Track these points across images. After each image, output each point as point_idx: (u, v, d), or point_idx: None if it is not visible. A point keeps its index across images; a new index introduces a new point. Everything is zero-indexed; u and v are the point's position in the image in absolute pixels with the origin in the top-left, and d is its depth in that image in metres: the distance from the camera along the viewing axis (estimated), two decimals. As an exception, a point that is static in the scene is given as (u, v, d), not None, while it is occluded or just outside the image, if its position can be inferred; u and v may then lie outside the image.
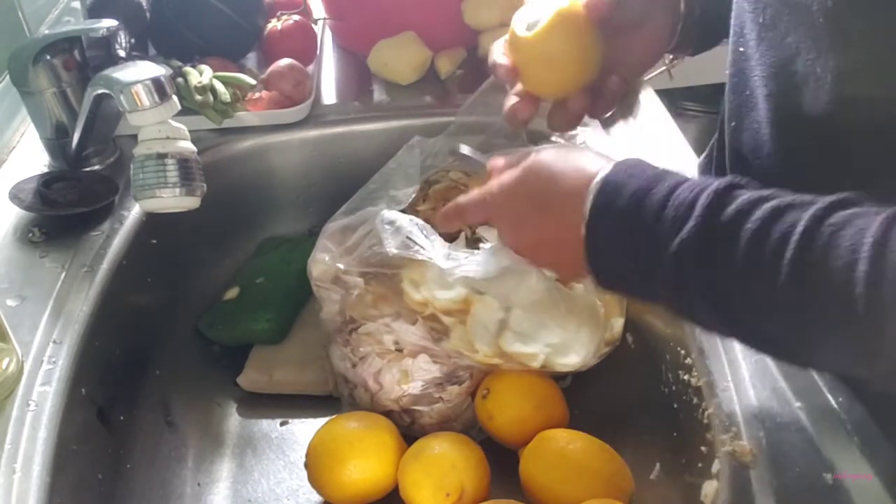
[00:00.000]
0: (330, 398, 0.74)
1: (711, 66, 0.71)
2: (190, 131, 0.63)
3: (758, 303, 0.41)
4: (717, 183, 0.43)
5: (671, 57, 0.80)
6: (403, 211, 0.66)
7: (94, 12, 0.81)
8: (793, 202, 0.40)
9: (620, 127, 0.82)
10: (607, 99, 0.60)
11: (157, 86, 0.59)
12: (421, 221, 0.64)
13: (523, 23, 0.57)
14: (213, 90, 0.79)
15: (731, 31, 0.56)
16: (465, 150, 0.66)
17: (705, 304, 0.43)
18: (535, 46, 0.56)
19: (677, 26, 0.60)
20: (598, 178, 0.46)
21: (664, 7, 0.59)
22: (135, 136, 0.62)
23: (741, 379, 0.53)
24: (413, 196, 0.69)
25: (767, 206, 0.41)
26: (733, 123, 0.58)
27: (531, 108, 0.59)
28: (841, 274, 0.36)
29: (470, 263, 0.60)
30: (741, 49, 0.54)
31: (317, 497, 0.65)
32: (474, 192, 0.56)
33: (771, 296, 0.40)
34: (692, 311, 0.45)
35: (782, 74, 0.50)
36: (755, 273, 0.40)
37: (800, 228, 0.39)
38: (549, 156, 0.51)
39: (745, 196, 0.42)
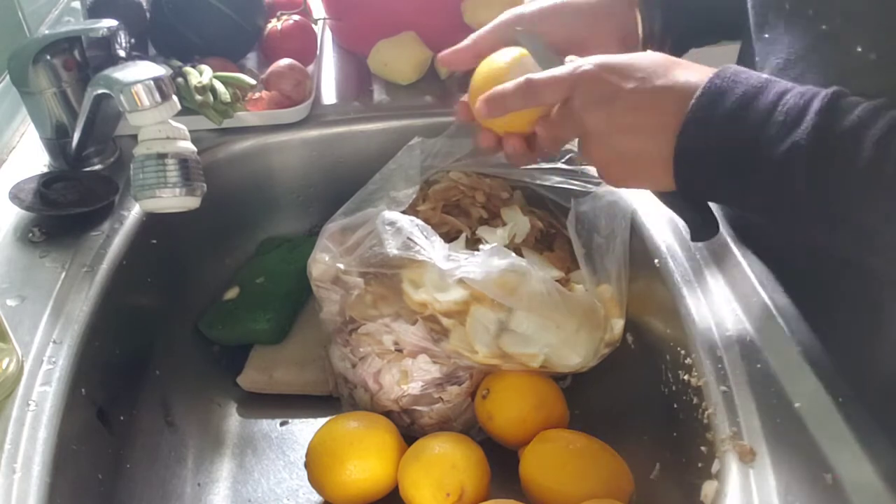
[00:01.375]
0: (330, 398, 0.74)
1: (711, 66, 0.71)
2: (190, 131, 0.63)
3: (881, 206, 0.42)
4: (826, 90, 0.44)
5: None
6: (403, 212, 0.66)
7: (94, 12, 0.81)
8: None
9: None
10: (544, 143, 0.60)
11: (158, 86, 0.59)
12: (421, 222, 0.64)
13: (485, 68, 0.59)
14: (213, 90, 0.79)
15: (752, 21, 0.56)
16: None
17: (812, 208, 0.44)
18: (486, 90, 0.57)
19: (633, 42, 0.61)
20: (703, 81, 0.47)
21: (604, 22, 0.60)
22: (135, 136, 0.62)
23: (741, 379, 0.53)
24: (413, 197, 0.69)
25: (886, 117, 0.42)
26: None
27: (493, 141, 0.59)
28: None
29: (470, 264, 0.60)
30: (766, 35, 0.55)
31: (317, 497, 0.65)
32: (559, 68, 0.53)
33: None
34: (787, 216, 0.46)
35: (812, 57, 0.50)
36: (880, 177, 0.41)
37: None
38: (658, 54, 0.51)
39: (861, 104, 0.43)
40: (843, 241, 0.46)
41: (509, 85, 0.54)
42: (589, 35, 0.60)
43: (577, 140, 0.55)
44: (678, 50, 0.65)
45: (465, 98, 0.61)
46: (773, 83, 0.46)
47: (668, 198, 0.55)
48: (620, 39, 0.61)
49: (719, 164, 0.47)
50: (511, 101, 0.54)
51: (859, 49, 0.46)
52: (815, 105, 0.43)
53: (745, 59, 0.61)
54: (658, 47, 0.63)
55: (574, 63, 0.52)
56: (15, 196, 0.68)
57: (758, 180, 0.45)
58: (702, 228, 0.55)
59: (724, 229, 0.65)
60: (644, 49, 0.62)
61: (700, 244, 0.64)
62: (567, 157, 0.74)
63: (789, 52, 0.52)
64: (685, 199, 0.53)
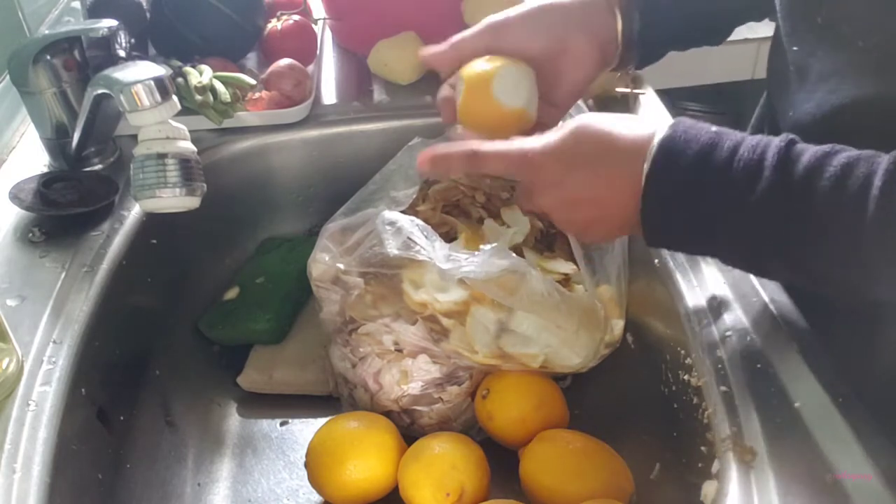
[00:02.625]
0: (330, 398, 0.74)
1: (712, 66, 0.71)
2: (190, 131, 0.63)
3: (838, 250, 0.44)
4: (776, 140, 0.46)
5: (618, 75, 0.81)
6: (403, 212, 0.66)
7: (94, 12, 0.81)
8: (860, 155, 0.44)
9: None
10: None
11: (158, 86, 0.59)
12: (421, 222, 0.64)
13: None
14: (213, 90, 0.79)
15: (783, 31, 0.57)
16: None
17: (778, 257, 0.46)
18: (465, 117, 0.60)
19: (610, 43, 0.62)
20: (657, 138, 0.48)
21: (583, 28, 0.61)
22: (135, 136, 0.62)
23: (741, 379, 0.53)
24: (413, 197, 0.69)
25: (838, 159, 0.43)
26: (790, 113, 0.59)
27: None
28: None
29: (470, 264, 0.60)
30: (795, 48, 0.56)
31: (317, 497, 0.65)
32: (506, 144, 0.55)
33: (854, 243, 0.43)
34: (756, 264, 0.50)
35: (848, 71, 0.51)
36: (836, 222, 0.43)
37: (878, 181, 0.42)
38: (597, 118, 0.52)
39: (810, 152, 0.45)
40: (814, 284, 0.48)
41: (455, 148, 0.56)
42: (569, 41, 0.61)
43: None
44: (656, 55, 0.67)
45: (445, 93, 0.62)
46: (723, 137, 0.47)
47: None
48: (599, 46, 0.62)
49: (686, 225, 0.49)
50: (455, 165, 0.57)
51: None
52: (769, 159, 0.45)
53: (776, 68, 0.61)
54: (637, 53, 0.64)
55: (520, 143, 0.54)
56: (15, 196, 0.68)
57: (723, 235, 0.48)
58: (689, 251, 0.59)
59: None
60: (623, 52, 0.63)
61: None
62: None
63: (823, 65, 0.53)
64: (650, 244, 0.54)
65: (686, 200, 0.48)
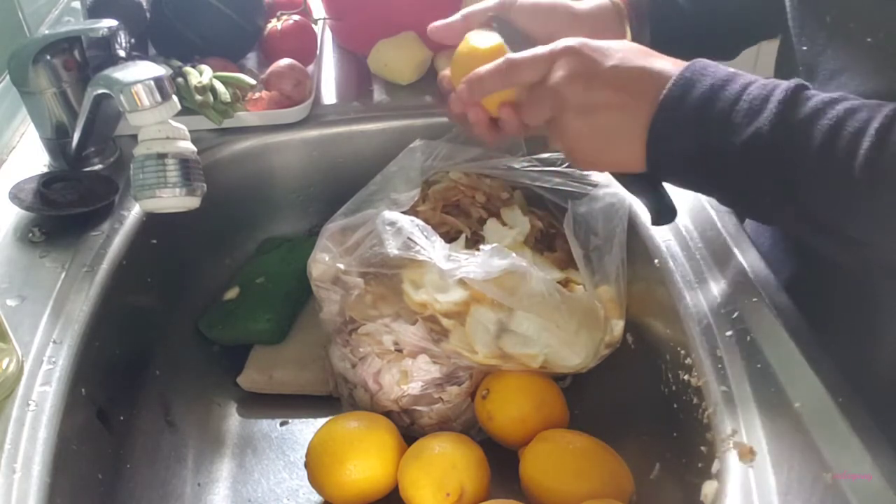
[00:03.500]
0: (330, 398, 0.74)
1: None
2: (190, 131, 0.63)
3: (830, 190, 0.45)
4: (788, 82, 0.47)
5: None
6: (403, 212, 0.66)
7: (94, 12, 0.81)
8: (864, 103, 0.45)
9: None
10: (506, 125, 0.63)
11: (158, 86, 0.59)
12: (422, 222, 0.64)
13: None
14: (213, 90, 0.79)
15: (793, 31, 0.58)
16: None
17: (771, 193, 0.47)
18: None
19: None
20: (675, 73, 0.50)
21: (596, 31, 0.61)
22: (135, 136, 0.62)
23: (741, 379, 0.53)
24: (414, 199, 0.69)
25: (841, 105, 0.45)
26: None
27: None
28: None
29: (470, 265, 0.60)
30: (805, 48, 0.56)
31: (317, 497, 0.65)
32: (538, 48, 0.55)
33: (845, 183, 0.43)
34: (754, 202, 0.49)
35: (856, 68, 0.52)
36: (830, 163, 0.44)
37: (875, 124, 0.43)
38: (634, 44, 0.54)
39: (818, 96, 0.46)
40: (803, 228, 0.49)
41: (489, 67, 0.56)
42: (561, 36, 0.61)
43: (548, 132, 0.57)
44: None
45: (447, 72, 0.64)
46: (739, 76, 0.49)
47: (629, 182, 0.57)
48: None
49: (688, 149, 0.49)
50: (490, 82, 0.56)
51: None
52: (777, 96, 0.46)
53: (788, 65, 0.61)
54: None
55: (554, 43, 0.54)
56: (15, 196, 0.68)
57: (723, 165, 0.48)
58: (661, 213, 0.57)
59: (722, 230, 0.65)
60: None
61: (700, 244, 0.65)
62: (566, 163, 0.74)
63: (834, 63, 0.53)
64: (650, 180, 0.55)
65: (692, 129, 0.49)
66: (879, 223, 0.45)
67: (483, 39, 0.60)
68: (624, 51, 0.52)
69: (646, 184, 0.56)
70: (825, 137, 0.44)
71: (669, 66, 0.51)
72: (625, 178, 0.57)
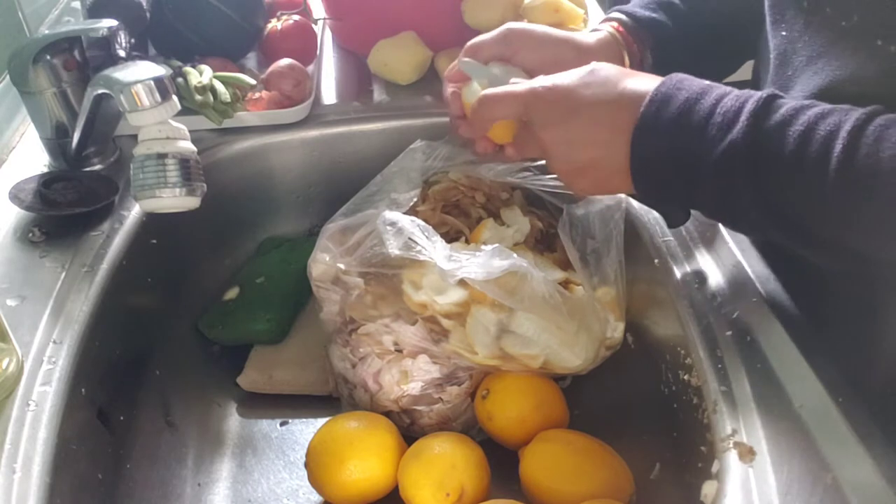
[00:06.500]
0: (330, 398, 0.74)
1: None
2: (190, 131, 0.63)
3: (805, 197, 0.46)
4: (760, 93, 0.48)
5: None
6: (403, 213, 0.66)
7: (94, 12, 0.81)
8: (834, 108, 0.46)
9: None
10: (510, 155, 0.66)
11: (158, 86, 0.59)
12: (422, 223, 0.64)
13: (471, 97, 0.62)
14: (213, 90, 0.79)
15: (770, 19, 0.58)
16: (467, 63, 0.65)
17: (750, 202, 0.47)
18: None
19: None
20: (651, 90, 0.51)
21: (598, 58, 0.62)
22: (135, 136, 0.62)
23: (741, 379, 0.53)
24: (414, 200, 0.69)
25: (812, 111, 0.46)
26: None
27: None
28: (890, 165, 0.41)
29: (471, 265, 0.60)
30: (783, 33, 0.57)
31: (317, 497, 0.65)
32: (514, 84, 0.57)
33: (820, 188, 0.44)
34: (734, 212, 0.51)
35: (832, 52, 0.52)
36: (802, 168, 0.45)
37: (847, 127, 0.44)
38: (609, 66, 0.55)
39: (789, 103, 0.47)
40: (787, 236, 0.50)
41: (472, 109, 0.60)
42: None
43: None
44: None
45: (453, 88, 0.65)
46: (713, 88, 0.50)
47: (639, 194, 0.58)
48: None
49: (670, 168, 0.51)
50: (474, 120, 0.61)
51: (879, 42, 0.48)
52: (749, 106, 0.47)
53: (764, 57, 0.62)
54: None
55: (528, 83, 0.56)
56: (15, 196, 0.68)
57: (703, 179, 0.49)
58: (674, 217, 0.59)
59: (722, 230, 0.66)
60: None
61: (700, 244, 0.65)
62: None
63: (811, 49, 0.53)
64: (646, 202, 0.58)
65: (671, 145, 0.50)
66: (854, 224, 0.45)
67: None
68: (595, 84, 0.53)
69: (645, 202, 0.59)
70: (797, 142, 0.45)
71: (646, 83, 0.52)
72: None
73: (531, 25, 0.65)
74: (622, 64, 0.65)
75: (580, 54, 0.64)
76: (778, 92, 0.48)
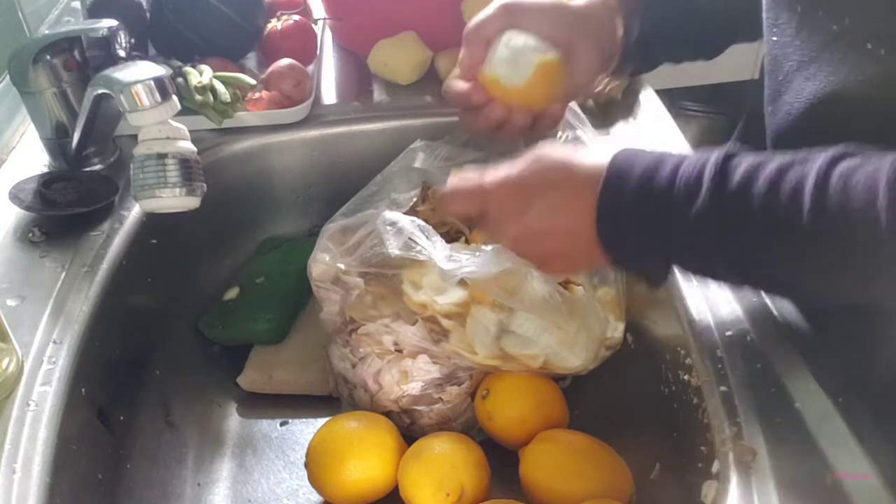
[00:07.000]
0: (330, 398, 0.74)
1: (711, 66, 0.71)
2: (190, 131, 0.63)
3: (780, 253, 0.45)
4: (714, 155, 0.47)
5: (607, 80, 0.81)
6: (403, 213, 0.66)
7: (94, 12, 0.81)
8: (793, 160, 0.45)
9: (620, 127, 0.82)
10: (549, 120, 0.66)
11: (158, 86, 0.59)
12: (422, 222, 0.64)
13: (502, 68, 0.62)
14: (213, 90, 0.79)
15: (766, 23, 0.57)
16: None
17: (726, 267, 0.47)
18: (520, 95, 0.62)
19: (610, 50, 0.64)
20: (605, 169, 0.50)
21: (590, 35, 0.62)
22: (135, 136, 0.62)
23: (741, 379, 0.53)
24: (414, 200, 0.69)
25: (771, 166, 0.45)
26: (770, 108, 0.60)
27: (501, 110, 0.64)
28: (860, 213, 0.41)
29: (471, 265, 0.60)
30: (775, 38, 0.56)
31: (317, 497, 0.65)
32: (462, 180, 0.56)
33: (793, 244, 0.44)
34: (714, 275, 0.51)
35: (824, 56, 0.52)
36: (774, 227, 0.44)
37: (811, 181, 0.43)
38: (554, 149, 0.54)
39: (745, 162, 0.46)
40: (774, 291, 0.51)
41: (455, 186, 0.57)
42: (574, 45, 0.62)
43: (578, 127, 0.59)
44: (650, 64, 0.69)
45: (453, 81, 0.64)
46: (666, 158, 0.49)
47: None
48: (600, 53, 0.63)
49: (641, 245, 0.50)
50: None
51: (870, 46, 0.48)
52: (707, 172, 0.46)
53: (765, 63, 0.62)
54: (633, 60, 0.66)
55: (476, 179, 0.55)
56: (15, 196, 0.68)
57: (676, 251, 0.49)
58: (655, 278, 0.58)
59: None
60: (621, 57, 0.65)
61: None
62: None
63: (802, 54, 0.53)
64: (619, 267, 0.58)
65: (636, 220, 0.49)
66: (834, 275, 0.45)
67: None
68: (545, 172, 0.52)
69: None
70: (763, 203, 0.44)
71: (595, 160, 0.51)
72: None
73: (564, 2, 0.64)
74: (613, 29, 0.63)
75: (576, 21, 0.62)
76: (732, 151, 0.47)
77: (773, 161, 0.45)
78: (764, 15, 0.58)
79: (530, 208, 0.52)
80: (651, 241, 0.49)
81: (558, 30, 0.62)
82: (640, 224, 0.49)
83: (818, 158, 0.44)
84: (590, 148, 0.54)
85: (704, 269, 0.50)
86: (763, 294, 0.59)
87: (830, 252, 0.43)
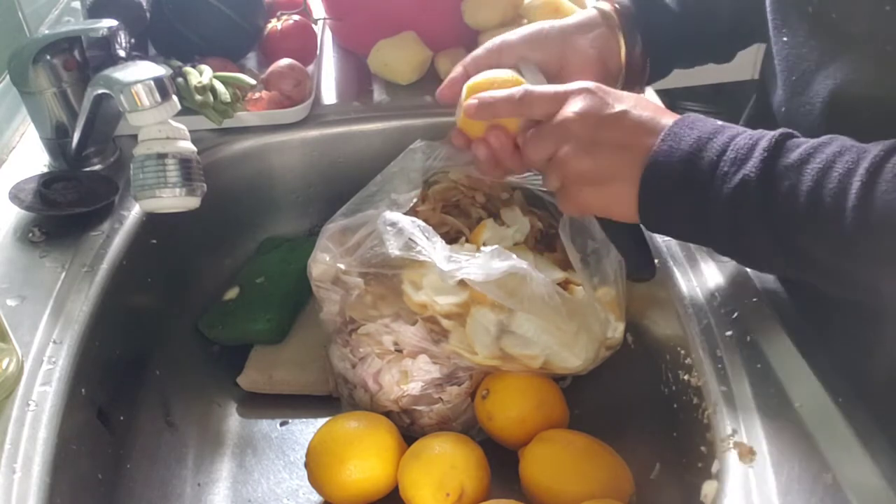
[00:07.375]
0: (330, 398, 0.74)
1: (711, 66, 0.71)
2: (190, 131, 0.63)
3: (823, 234, 0.45)
4: (774, 132, 0.47)
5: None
6: (403, 213, 0.66)
7: (94, 12, 0.81)
8: (852, 146, 0.45)
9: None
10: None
11: (158, 86, 0.59)
12: (422, 223, 0.64)
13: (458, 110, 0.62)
14: (213, 90, 0.79)
15: (772, 24, 0.58)
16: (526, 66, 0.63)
17: (763, 240, 0.47)
18: (470, 127, 0.61)
19: (612, 61, 0.64)
20: (664, 130, 0.50)
21: (580, 43, 0.63)
22: (135, 136, 0.62)
23: (741, 379, 0.53)
24: (414, 200, 0.69)
25: (829, 149, 0.45)
26: (784, 108, 0.59)
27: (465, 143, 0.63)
28: None
29: (471, 266, 0.60)
30: (785, 39, 0.56)
31: (317, 497, 0.65)
32: (553, 86, 0.55)
33: (838, 227, 0.43)
34: (748, 250, 0.49)
35: (844, 57, 0.51)
36: (821, 206, 0.44)
37: (865, 165, 0.43)
38: (648, 100, 0.54)
39: (805, 143, 0.46)
40: (797, 271, 0.49)
41: (503, 92, 0.56)
42: (567, 54, 0.63)
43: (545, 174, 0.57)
44: (658, 72, 0.68)
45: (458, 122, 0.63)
46: (726, 128, 0.50)
47: (615, 233, 0.58)
48: (600, 59, 0.63)
49: (678, 202, 0.50)
50: (502, 107, 0.57)
51: (889, 48, 0.48)
52: (763, 144, 0.47)
53: (768, 62, 0.61)
54: (639, 70, 0.66)
55: (570, 83, 0.55)
56: (15, 196, 0.68)
57: (713, 214, 0.48)
58: (639, 267, 0.58)
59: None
60: (628, 72, 0.65)
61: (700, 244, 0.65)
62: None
63: (821, 54, 0.53)
64: (635, 235, 0.57)
65: (681, 181, 0.49)
66: (873, 264, 0.44)
67: (500, 72, 0.61)
68: (636, 99, 0.53)
69: (630, 238, 0.58)
70: (814, 182, 0.44)
71: (666, 119, 0.52)
72: (611, 229, 0.58)
73: (505, 34, 0.64)
74: (615, 43, 0.64)
75: (562, 34, 0.63)
76: (793, 131, 0.47)
77: (833, 144, 0.45)
78: (769, 16, 0.58)
79: (609, 112, 0.52)
80: (690, 200, 0.49)
81: (540, 49, 0.62)
82: (685, 181, 0.49)
83: (875, 147, 0.44)
84: (670, 113, 0.54)
85: (740, 242, 0.49)
86: (787, 289, 0.59)
87: (874, 240, 0.43)
